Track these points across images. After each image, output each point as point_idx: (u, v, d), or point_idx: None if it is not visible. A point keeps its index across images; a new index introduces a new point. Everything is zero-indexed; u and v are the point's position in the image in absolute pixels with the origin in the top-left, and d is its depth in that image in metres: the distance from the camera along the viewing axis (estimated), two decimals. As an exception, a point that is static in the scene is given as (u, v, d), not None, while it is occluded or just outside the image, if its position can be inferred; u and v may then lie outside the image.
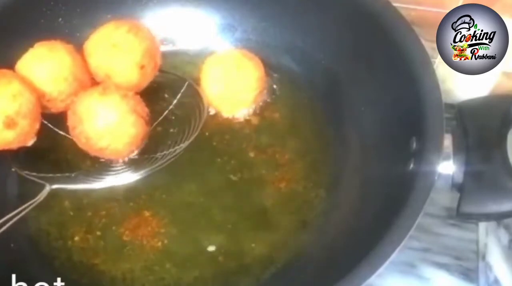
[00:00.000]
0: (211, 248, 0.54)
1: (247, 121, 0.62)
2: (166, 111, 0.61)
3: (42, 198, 0.53)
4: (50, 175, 0.56)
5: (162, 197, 0.57)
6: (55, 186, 0.54)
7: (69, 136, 0.57)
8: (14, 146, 0.54)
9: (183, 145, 0.57)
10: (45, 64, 0.55)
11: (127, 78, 0.57)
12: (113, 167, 0.58)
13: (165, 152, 0.57)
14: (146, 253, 0.54)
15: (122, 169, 0.57)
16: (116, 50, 0.56)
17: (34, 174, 0.56)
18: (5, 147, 0.53)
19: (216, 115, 0.62)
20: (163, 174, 0.57)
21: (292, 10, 0.63)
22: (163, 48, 0.63)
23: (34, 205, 0.53)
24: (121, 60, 0.57)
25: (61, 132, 0.58)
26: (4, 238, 0.54)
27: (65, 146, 0.59)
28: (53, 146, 0.59)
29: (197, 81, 0.62)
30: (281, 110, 0.63)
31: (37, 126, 0.55)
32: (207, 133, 0.61)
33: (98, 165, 0.58)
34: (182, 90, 0.61)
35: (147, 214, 0.56)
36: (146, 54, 0.57)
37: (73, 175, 0.57)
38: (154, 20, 0.66)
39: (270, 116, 0.63)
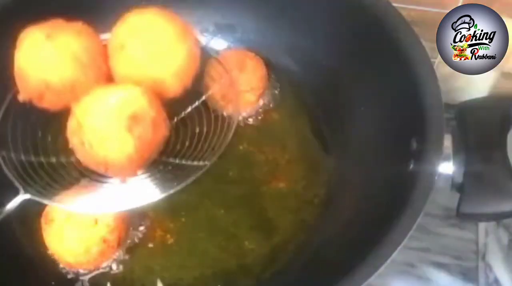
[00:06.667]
0: (212, 248, 0.54)
1: (248, 121, 0.62)
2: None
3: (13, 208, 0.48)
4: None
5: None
6: (29, 196, 0.49)
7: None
8: None
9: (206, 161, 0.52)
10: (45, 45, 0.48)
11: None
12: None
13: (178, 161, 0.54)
14: (146, 252, 0.54)
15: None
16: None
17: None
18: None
19: (218, 115, 0.62)
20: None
21: (292, 10, 0.63)
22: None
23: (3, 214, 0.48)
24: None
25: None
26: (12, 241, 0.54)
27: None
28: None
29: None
30: (281, 110, 0.63)
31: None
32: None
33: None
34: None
35: (149, 214, 0.56)
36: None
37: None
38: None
39: (270, 116, 0.63)
